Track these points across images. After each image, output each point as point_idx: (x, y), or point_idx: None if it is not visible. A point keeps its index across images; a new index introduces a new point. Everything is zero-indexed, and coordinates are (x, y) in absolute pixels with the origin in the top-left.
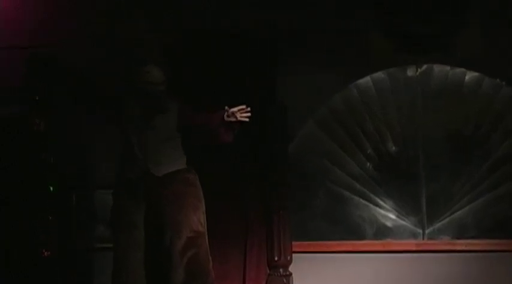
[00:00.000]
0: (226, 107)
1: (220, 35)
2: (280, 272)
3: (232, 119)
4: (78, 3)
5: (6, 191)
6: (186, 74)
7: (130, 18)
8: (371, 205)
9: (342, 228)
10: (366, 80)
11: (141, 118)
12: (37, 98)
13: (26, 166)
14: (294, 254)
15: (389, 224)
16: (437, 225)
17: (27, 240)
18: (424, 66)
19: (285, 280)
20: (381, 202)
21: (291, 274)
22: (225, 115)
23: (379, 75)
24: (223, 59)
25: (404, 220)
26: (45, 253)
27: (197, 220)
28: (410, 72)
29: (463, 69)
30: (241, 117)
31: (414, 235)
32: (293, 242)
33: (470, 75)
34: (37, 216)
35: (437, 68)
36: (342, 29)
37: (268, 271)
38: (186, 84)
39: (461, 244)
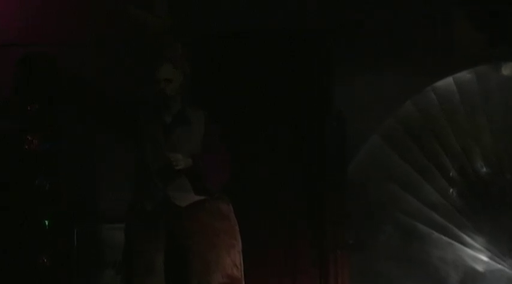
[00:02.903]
0: None
1: (263, 36)
2: None
3: None
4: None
5: None
6: (217, 81)
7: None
8: (455, 243)
9: (417, 272)
10: (447, 82)
11: (159, 132)
12: (29, 108)
13: (15, 194)
14: None
15: (480, 268)
16: None
17: None
18: None
19: None
20: (469, 239)
21: None
22: None
23: (464, 75)
24: (266, 63)
25: (499, 263)
26: None
27: (232, 262)
28: (506, 70)
29: None
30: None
31: None
32: None
33: None
34: (29, 257)
35: None
36: (413, 17)
37: None
38: (217, 92)
39: None
